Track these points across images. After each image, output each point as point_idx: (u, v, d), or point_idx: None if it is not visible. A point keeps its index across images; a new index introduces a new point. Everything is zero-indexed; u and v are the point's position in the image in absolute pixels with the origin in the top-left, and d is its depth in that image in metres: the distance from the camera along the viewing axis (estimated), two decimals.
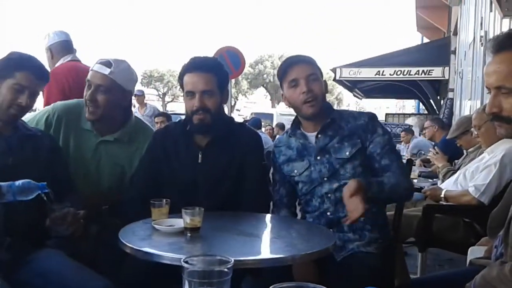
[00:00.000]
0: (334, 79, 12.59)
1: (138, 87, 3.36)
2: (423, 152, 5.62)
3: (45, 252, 1.85)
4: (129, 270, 1.84)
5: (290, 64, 2.07)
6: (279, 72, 2.12)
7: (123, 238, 1.58)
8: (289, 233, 1.78)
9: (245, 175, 2.10)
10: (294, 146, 2.09)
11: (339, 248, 1.85)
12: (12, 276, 1.74)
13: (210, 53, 8.79)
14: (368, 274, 1.78)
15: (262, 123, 11.11)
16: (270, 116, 18.88)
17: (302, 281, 1.53)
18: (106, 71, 2.20)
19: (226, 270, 0.84)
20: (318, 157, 2.00)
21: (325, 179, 1.98)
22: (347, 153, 1.97)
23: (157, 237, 1.63)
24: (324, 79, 2.11)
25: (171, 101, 41.45)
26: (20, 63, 1.92)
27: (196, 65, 2.07)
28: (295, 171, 2.05)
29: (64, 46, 3.32)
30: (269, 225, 1.96)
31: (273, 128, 11.45)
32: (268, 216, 2.00)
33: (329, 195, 1.97)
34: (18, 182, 1.67)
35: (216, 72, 2.08)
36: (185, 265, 0.84)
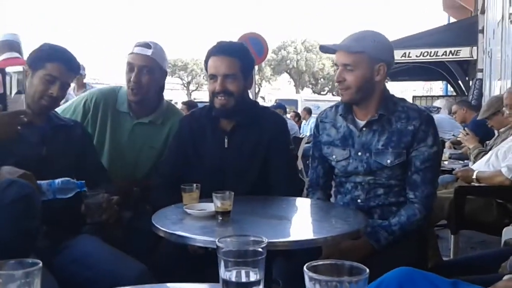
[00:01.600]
0: None
1: None
2: (452, 134, 5.53)
3: (81, 238, 1.89)
4: (161, 254, 1.88)
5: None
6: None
7: (156, 222, 1.61)
8: (320, 216, 1.79)
9: (273, 160, 2.10)
10: (342, 130, 1.98)
11: (370, 234, 1.82)
12: (50, 262, 1.79)
13: (234, 40, 8.78)
14: (400, 258, 1.77)
15: (287, 109, 11.07)
16: (294, 102, 18.80)
17: None
18: (148, 52, 2.26)
19: (260, 249, 0.85)
20: (359, 153, 1.92)
21: (360, 174, 1.97)
22: (388, 162, 1.86)
23: (189, 221, 1.65)
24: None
25: (195, 89, 41.61)
26: (51, 54, 1.96)
27: (220, 49, 2.08)
28: (334, 156, 2.00)
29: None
30: (299, 208, 1.97)
31: (298, 114, 11.41)
32: (298, 200, 2.00)
33: (362, 183, 1.94)
34: (58, 181, 1.73)
35: (240, 57, 2.08)
36: (220, 245, 0.85)
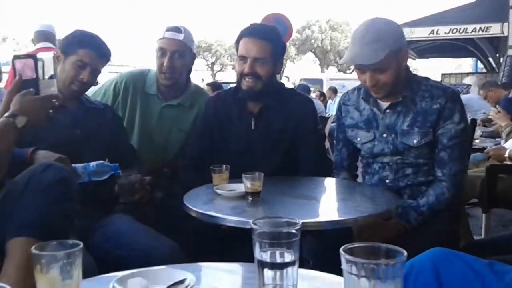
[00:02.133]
0: None
1: None
2: (483, 112, 5.41)
3: (114, 217, 1.93)
4: (191, 233, 1.91)
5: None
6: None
7: (188, 202, 1.63)
8: (350, 196, 1.79)
9: (300, 142, 2.10)
10: (365, 112, 1.96)
11: (400, 215, 1.81)
12: (86, 241, 1.84)
13: (257, 20, 8.75)
14: (431, 237, 1.76)
15: (312, 89, 10.99)
16: (319, 81, 18.60)
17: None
18: (180, 36, 2.29)
19: (294, 231, 0.85)
20: (384, 135, 1.90)
21: (387, 155, 1.94)
22: (415, 141, 1.84)
23: (219, 201, 1.67)
24: None
25: (220, 70, 41.64)
26: (82, 40, 1.98)
27: (253, 31, 2.08)
28: (358, 138, 1.98)
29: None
30: (329, 188, 1.97)
31: (323, 93, 11.30)
32: (327, 180, 2.00)
33: (390, 163, 1.93)
34: (93, 164, 1.77)
35: (272, 41, 2.07)
36: (254, 226, 0.86)
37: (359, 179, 2.13)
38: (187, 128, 2.40)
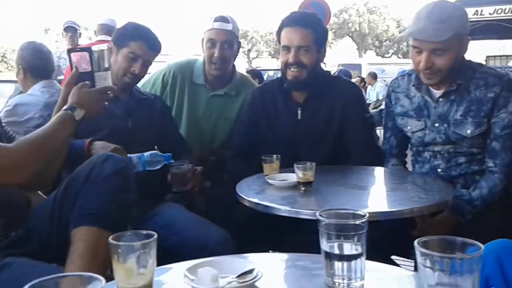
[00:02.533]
0: None
1: None
2: None
3: (166, 206, 1.98)
4: (239, 221, 1.93)
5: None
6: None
7: (240, 192, 1.65)
8: (404, 186, 1.76)
9: (349, 130, 2.08)
10: (416, 100, 1.92)
11: (454, 208, 1.76)
12: (140, 229, 1.90)
13: (294, 6, 8.63)
14: (487, 232, 1.71)
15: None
16: (358, 67, 18.31)
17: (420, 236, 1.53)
18: (229, 26, 2.32)
19: (361, 223, 0.86)
20: (436, 124, 1.86)
21: (439, 144, 1.90)
22: (468, 132, 1.79)
23: (271, 191, 1.68)
24: None
25: (256, 57, 41.56)
26: (134, 33, 2.03)
27: (294, 20, 2.06)
28: (409, 127, 1.95)
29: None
30: (381, 178, 1.95)
31: (363, 79, 11.12)
32: (378, 169, 1.98)
33: (442, 152, 1.89)
34: (147, 154, 1.83)
35: (314, 28, 2.05)
36: (321, 218, 0.87)
37: (409, 167, 2.10)
38: (233, 117, 2.43)
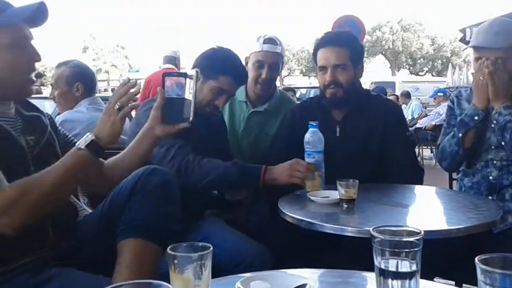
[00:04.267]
0: (462, 40, 11.62)
1: None
2: None
3: (206, 221, 2.01)
4: (278, 236, 1.93)
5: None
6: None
7: (283, 208, 1.66)
8: (449, 205, 1.74)
9: (389, 149, 2.07)
10: None
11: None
12: (182, 242, 1.93)
13: (328, 23, 8.69)
14: None
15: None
16: (391, 85, 18.10)
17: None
18: (277, 49, 2.37)
19: (416, 241, 0.85)
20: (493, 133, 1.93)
21: (492, 147, 1.89)
22: None
23: (313, 208, 1.68)
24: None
25: (288, 75, 41.73)
26: (225, 66, 1.97)
27: (328, 40, 2.09)
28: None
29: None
30: (424, 196, 1.92)
31: (397, 97, 10.99)
32: (421, 188, 1.96)
33: (494, 161, 1.90)
34: None
35: (349, 46, 2.06)
36: (375, 234, 0.87)
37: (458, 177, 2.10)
38: (273, 133, 2.45)
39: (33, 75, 1.42)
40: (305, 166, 1.85)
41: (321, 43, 2.10)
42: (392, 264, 0.84)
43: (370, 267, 1.15)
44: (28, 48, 1.38)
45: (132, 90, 1.40)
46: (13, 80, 1.37)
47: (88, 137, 1.34)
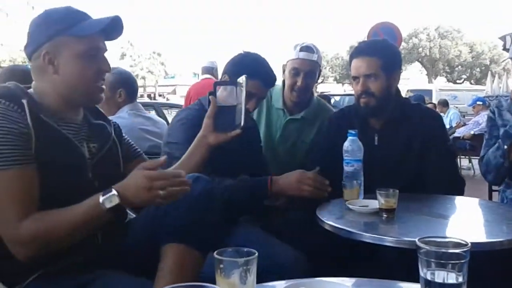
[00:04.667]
0: (504, 48, 11.34)
1: None
2: None
3: (241, 226, 2.01)
4: (315, 244, 1.93)
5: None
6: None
7: (321, 216, 1.66)
8: (491, 217, 1.70)
9: (429, 158, 2.04)
10: None
11: None
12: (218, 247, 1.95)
13: (363, 31, 8.62)
14: None
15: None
16: (428, 93, 17.74)
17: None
18: (314, 57, 2.38)
19: (463, 252, 0.84)
20: None
21: None
22: None
23: (351, 217, 1.67)
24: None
25: (321, 82, 41.55)
26: (253, 70, 1.94)
27: (360, 50, 2.10)
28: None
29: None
30: (466, 208, 1.89)
31: (435, 105, 10.77)
32: (463, 199, 1.92)
33: None
34: None
35: (381, 54, 2.05)
36: (421, 245, 0.86)
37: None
38: (310, 141, 2.45)
39: (102, 84, 1.47)
40: (313, 178, 1.86)
41: (353, 53, 2.11)
42: (438, 276, 0.84)
43: (406, 278, 1.15)
44: (99, 59, 1.44)
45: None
46: (83, 87, 1.43)
47: (114, 197, 1.24)
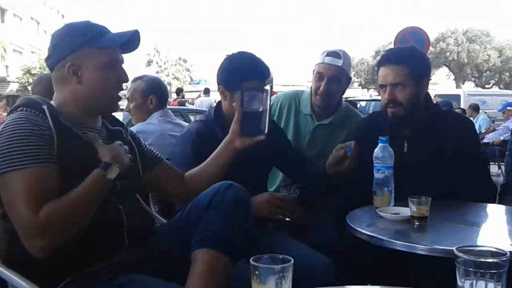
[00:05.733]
0: None
1: None
2: None
3: (269, 232, 2.02)
4: (343, 251, 1.92)
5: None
6: None
7: (352, 223, 1.65)
8: None
9: (461, 165, 2.01)
10: None
11: None
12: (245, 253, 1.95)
13: (390, 35, 8.54)
14: None
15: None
16: (456, 97, 17.36)
17: None
18: (339, 62, 2.37)
19: (502, 262, 0.83)
20: None
21: None
22: None
23: (382, 224, 1.66)
24: None
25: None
26: (244, 75, 1.92)
27: (387, 58, 2.08)
28: None
29: None
30: (499, 215, 1.86)
31: (464, 110, 10.59)
32: (496, 207, 1.89)
33: None
34: None
35: (409, 63, 2.02)
36: (458, 254, 0.86)
37: None
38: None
39: (120, 93, 1.55)
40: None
41: (380, 62, 2.09)
42: (477, 286, 0.83)
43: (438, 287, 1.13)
44: (119, 70, 1.51)
45: None
46: (105, 96, 1.50)
47: (113, 169, 1.37)
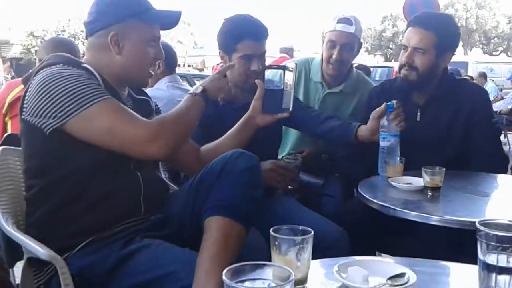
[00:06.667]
0: None
1: None
2: None
3: (279, 199, 2.02)
4: (352, 220, 1.92)
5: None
6: None
7: (364, 193, 1.65)
8: None
9: (473, 135, 1.99)
10: None
11: None
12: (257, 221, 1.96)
13: (399, 1, 8.33)
14: None
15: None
16: (463, 65, 17.09)
17: None
18: (351, 29, 2.30)
19: None
20: None
21: None
22: None
23: (395, 194, 1.66)
24: None
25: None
26: (237, 35, 1.89)
27: (417, 20, 2.02)
28: None
29: None
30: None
31: (472, 78, 10.46)
32: (508, 177, 1.88)
33: None
34: None
35: (438, 31, 1.97)
36: (481, 227, 0.85)
37: None
38: (348, 115, 2.42)
39: (151, 69, 1.56)
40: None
41: (411, 22, 2.04)
42: (498, 259, 0.82)
43: (446, 257, 1.13)
44: (157, 46, 1.52)
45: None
46: (140, 71, 1.51)
47: (199, 88, 1.54)
